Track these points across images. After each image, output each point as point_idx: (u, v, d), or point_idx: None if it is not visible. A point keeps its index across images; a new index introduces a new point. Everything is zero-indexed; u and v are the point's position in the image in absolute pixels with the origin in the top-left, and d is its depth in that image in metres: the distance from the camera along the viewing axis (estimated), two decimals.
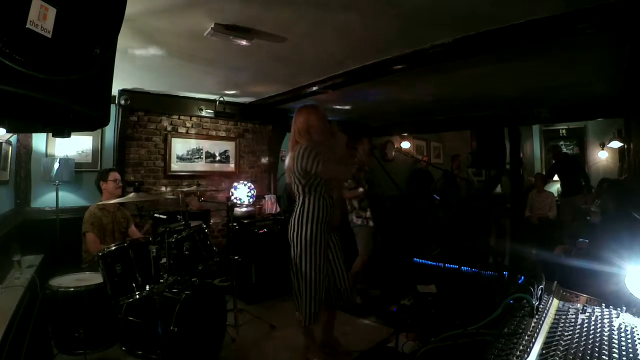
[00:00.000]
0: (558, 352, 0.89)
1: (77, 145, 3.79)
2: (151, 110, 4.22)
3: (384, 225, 4.10)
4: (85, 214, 3.03)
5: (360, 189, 3.82)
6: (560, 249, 3.53)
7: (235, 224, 4.16)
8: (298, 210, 2.54)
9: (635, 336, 0.95)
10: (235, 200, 4.52)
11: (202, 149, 4.64)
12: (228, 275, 3.80)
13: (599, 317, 1.06)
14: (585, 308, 1.13)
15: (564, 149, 7.22)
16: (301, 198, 2.54)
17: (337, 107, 4.86)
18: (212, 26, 2.22)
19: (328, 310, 2.71)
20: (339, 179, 2.47)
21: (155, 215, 2.57)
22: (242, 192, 4.61)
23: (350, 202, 3.98)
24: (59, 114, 0.88)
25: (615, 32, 2.20)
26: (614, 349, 0.89)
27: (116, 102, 3.86)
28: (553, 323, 1.05)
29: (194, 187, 3.52)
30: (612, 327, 1.00)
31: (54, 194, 3.38)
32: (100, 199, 3.21)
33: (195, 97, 4.40)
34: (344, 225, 3.12)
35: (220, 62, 3.06)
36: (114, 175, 3.21)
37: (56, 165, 3.35)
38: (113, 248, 2.28)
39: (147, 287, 2.24)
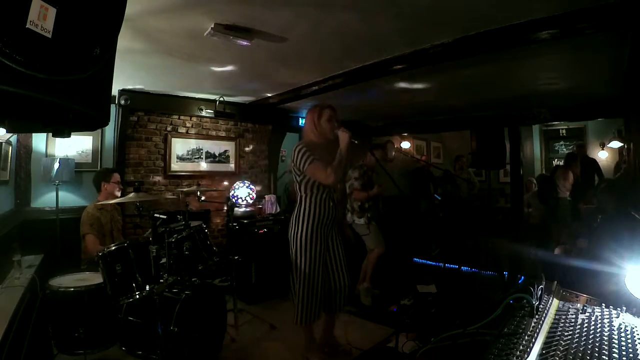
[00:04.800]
0: (558, 352, 0.89)
1: (77, 145, 3.79)
2: (151, 110, 4.21)
3: (380, 226, 4.13)
4: (82, 215, 3.03)
5: (375, 190, 3.91)
6: (560, 249, 3.53)
7: (235, 224, 4.15)
8: (296, 210, 2.55)
9: (635, 336, 0.95)
10: (235, 200, 4.52)
11: (202, 149, 4.64)
12: (228, 275, 3.80)
13: (599, 317, 1.06)
14: (585, 308, 1.13)
15: (565, 149, 7.22)
16: (299, 197, 2.55)
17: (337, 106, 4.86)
18: (212, 26, 2.22)
19: (328, 311, 2.71)
20: (326, 182, 2.44)
21: (155, 215, 2.56)
22: (242, 192, 4.61)
23: (350, 203, 4.00)
24: (59, 114, 0.88)
25: (615, 32, 2.20)
26: (614, 349, 0.89)
27: (116, 102, 3.86)
28: (553, 323, 1.05)
29: (194, 187, 3.52)
30: (612, 327, 1.00)
31: (54, 194, 3.38)
32: (97, 198, 3.22)
33: (195, 97, 4.40)
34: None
35: (220, 62, 3.06)
36: (116, 177, 3.23)
37: (56, 165, 3.34)
38: (113, 248, 2.28)
39: (147, 287, 2.24)
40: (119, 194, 3.18)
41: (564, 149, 7.27)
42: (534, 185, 5.82)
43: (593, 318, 1.06)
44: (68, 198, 3.66)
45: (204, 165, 4.66)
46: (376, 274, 4.03)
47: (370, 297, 3.88)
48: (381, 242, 3.98)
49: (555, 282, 1.34)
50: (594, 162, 5.96)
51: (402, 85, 3.74)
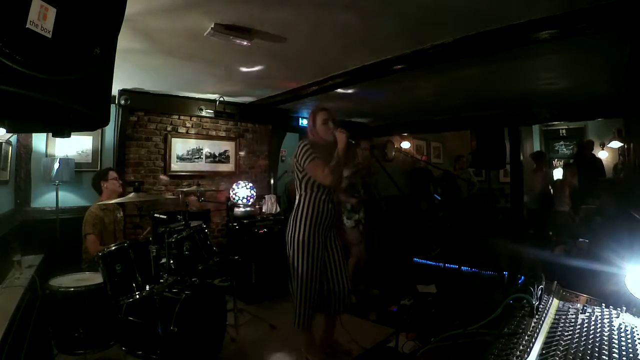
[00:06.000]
0: (558, 352, 0.89)
1: (77, 145, 3.79)
2: (151, 110, 4.21)
3: (379, 226, 4.11)
4: (85, 215, 3.03)
5: (353, 200, 3.81)
6: (560, 249, 3.53)
7: (235, 224, 4.16)
8: (294, 211, 2.55)
9: (635, 336, 0.95)
10: (235, 200, 4.52)
11: (202, 149, 4.64)
12: (228, 275, 3.80)
13: (599, 317, 1.06)
14: (585, 308, 1.13)
15: (565, 149, 7.21)
16: (299, 196, 2.55)
17: (337, 107, 4.86)
18: (212, 26, 2.22)
19: (328, 314, 2.70)
20: (324, 182, 2.44)
21: (155, 215, 2.56)
22: (242, 192, 4.61)
23: (343, 203, 3.99)
24: (59, 114, 0.88)
25: (615, 32, 2.20)
26: (614, 349, 0.89)
27: (116, 102, 3.86)
28: (553, 323, 1.05)
29: (194, 187, 3.52)
30: (612, 327, 1.00)
31: (54, 194, 3.38)
32: (98, 199, 3.22)
33: (195, 97, 4.40)
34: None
35: (220, 62, 3.05)
36: (113, 173, 3.27)
37: (56, 165, 3.34)
38: (113, 248, 2.28)
39: (147, 287, 2.24)
40: (120, 189, 3.23)
41: (564, 149, 7.27)
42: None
43: (593, 318, 1.06)
44: (68, 198, 3.66)
45: (204, 165, 4.66)
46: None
47: (353, 295, 3.87)
48: (362, 250, 3.93)
49: (555, 282, 1.34)
50: (599, 162, 5.93)
51: (403, 85, 3.74)
